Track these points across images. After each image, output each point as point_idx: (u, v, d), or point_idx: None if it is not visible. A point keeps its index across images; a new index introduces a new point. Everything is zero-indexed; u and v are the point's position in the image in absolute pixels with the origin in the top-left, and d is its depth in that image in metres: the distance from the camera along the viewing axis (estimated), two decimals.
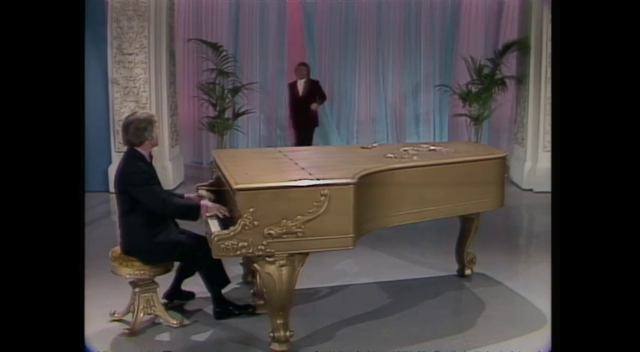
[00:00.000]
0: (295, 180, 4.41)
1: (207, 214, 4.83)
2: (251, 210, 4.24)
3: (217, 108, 10.79)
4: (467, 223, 6.18)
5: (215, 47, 10.83)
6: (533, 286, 6.01)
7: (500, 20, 12.22)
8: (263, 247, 4.30)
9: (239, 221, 4.28)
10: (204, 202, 4.98)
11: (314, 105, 11.13)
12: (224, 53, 10.89)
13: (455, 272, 6.30)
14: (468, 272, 6.26)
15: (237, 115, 11.10)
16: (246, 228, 4.26)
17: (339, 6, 12.25)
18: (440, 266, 6.52)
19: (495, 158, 5.79)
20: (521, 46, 10.76)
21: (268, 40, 12.27)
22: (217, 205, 4.93)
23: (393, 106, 12.65)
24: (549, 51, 10.04)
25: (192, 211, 4.89)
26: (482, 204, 5.70)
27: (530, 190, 10.24)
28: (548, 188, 9.57)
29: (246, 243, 4.28)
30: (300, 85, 11.23)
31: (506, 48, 10.95)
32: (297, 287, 4.53)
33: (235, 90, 10.98)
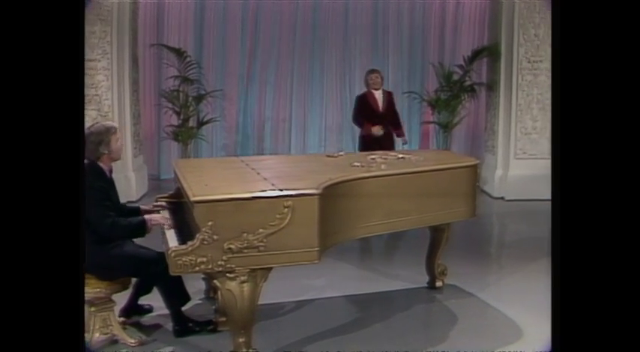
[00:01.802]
0: (257, 191, 4.19)
1: (153, 223, 4.71)
2: (210, 223, 4.02)
3: (181, 117, 10.52)
4: (437, 233, 6.04)
5: (179, 53, 10.58)
6: (506, 297, 5.90)
7: (470, 26, 12.13)
8: (223, 263, 4.08)
9: (197, 235, 4.06)
10: (148, 216, 4.84)
11: (375, 129, 8.66)
12: (188, 59, 10.64)
13: (425, 284, 6.16)
14: (438, 284, 6.12)
15: (201, 124, 10.84)
16: (205, 242, 4.04)
17: (305, 12, 12.02)
18: (410, 278, 6.36)
19: (466, 166, 5.66)
20: (491, 52, 10.74)
21: (232, 47, 11.97)
22: (161, 215, 4.84)
23: None
24: (520, 57, 10.18)
25: (139, 228, 4.74)
26: (453, 214, 5.56)
27: (502, 198, 10.19)
28: (520, 196, 10.09)
29: (205, 259, 4.06)
30: (379, 97, 8.91)
31: (476, 54, 10.90)
32: (260, 303, 4.32)
33: (199, 98, 10.73)
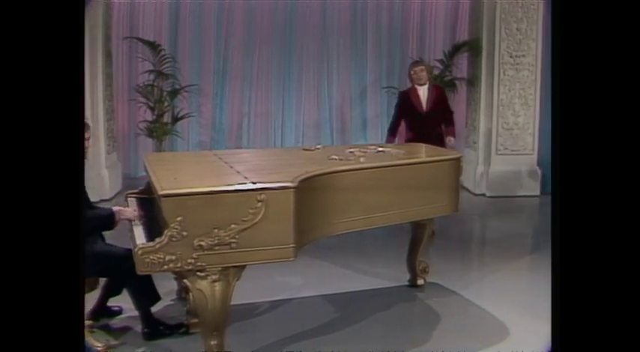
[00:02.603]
0: (228, 185, 3.97)
1: (121, 217, 4.52)
2: (179, 218, 3.79)
3: (155, 112, 10.27)
4: (418, 229, 5.88)
5: (153, 46, 10.34)
6: (488, 295, 5.77)
7: (451, 21, 11.96)
8: (193, 261, 3.84)
9: (165, 232, 3.82)
10: (117, 208, 4.64)
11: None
12: (162, 53, 10.39)
13: (406, 282, 6.01)
14: (420, 282, 5.98)
15: (176, 119, 10.60)
16: (174, 239, 3.80)
17: (282, 6, 11.78)
18: (390, 275, 6.21)
19: (449, 159, 5.48)
20: (472, 47, 10.64)
21: (208, 42, 11.69)
22: (131, 209, 4.65)
23: (339, 109, 12.20)
24: (502, 52, 10.10)
25: (107, 220, 4.54)
26: (435, 209, 5.37)
27: (483, 195, 10.07)
28: (502, 193, 9.99)
29: (173, 257, 3.82)
30: (423, 95, 7.69)
31: (457, 49, 10.80)
32: (234, 303, 4.11)
33: (174, 93, 10.49)
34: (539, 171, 10.24)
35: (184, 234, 3.80)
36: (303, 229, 4.14)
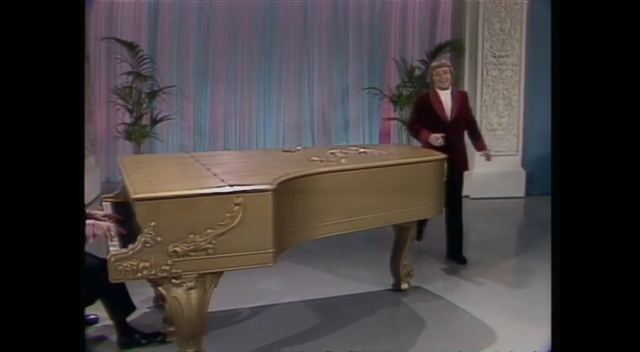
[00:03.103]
0: (204, 188, 3.81)
1: (96, 232, 4.03)
2: (153, 223, 3.63)
3: (134, 114, 10.09)
4: (402, 232, 5.75)
5: (131, 47, 10.16)
6: (474, 299, 5.71)
7: (433, 20, 11.86)
8: (168, 267, 3.69)
9: (139, 237, 3.66)
10: (90, 221, 4.12)
11: (434, 138, 6.32)
12: (140, 53, 10.21)
13: (390, 287, 5.89)
14: (404, 286, 5.86)
15: (154, 122, 10.42)
16: (148, 245, 3.64)
17: (263, 5, 11.63)
18: (373, 280, 6.09)
19: (433, 160, 5.35)
20: (454, 47, 10.55)
21: (188, 41, 11.53)
22: (106, 224, 4.14)
23: (320, 111, 12.07)
24: (485, 52, 10.04)
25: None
26: (419, 211, 5.26)
27: (466, 197, 9.89)
28: (485, 194, 9.87)
29: (147, 264, 3.66)
30: (446, 101, 6.57)
31: (439, 49, 10.68)
32: (213, 309, 3.98)
33: (153, 95, 10.30)
34: (523, 172, 10.18)
35: (158, 239, 3.65)
36: (283, 233, 4.00)
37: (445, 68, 6.61)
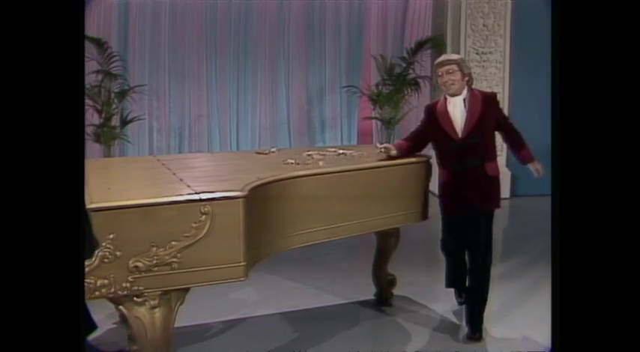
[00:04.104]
0: (168, 195, 3.47)
1: None
2: (111, 236, 3.30)
3: (103, 115, 9.71)
4: (385, 239, 5.50)
5: (99, 43, 9.76)
6: (460, 308, 5.36)
7: (413, 16, 11.60)
8: (128, 285, 3.37)
9: (96, 251, 3.31)
10: None
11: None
12: (109, 51, 9.84)
13: (372, 297, 5.63)
14: (387, 295, 5.60)
15: (124, 123, 10.05)
16: (106, 260, 3.31)
17: (237, 5, 11.33)
18: (355, 290, 5.82)
19: (416, 162, 5.06)
20: (435, 43, 10.36)
21: (160, 38, 11.16)
22: None
23: (297, 110, 11.76)
24: (467, 48, 9.89)
25: None
26: (403, 216, 4.99)
27: None
28: None
29: (106, 281, 3.33)
30: (455, 112, 4.85)
31: (420, 45, 10.48)
32: (180, 324, 3.70)
33: (122, 94, 9.93)
34: (508, 173, 9.96)
35: (118, 253, 3.32)
36: (256, 244, 3.71)
37: (450, 66, 4.81)
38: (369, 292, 5.64)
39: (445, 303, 5.52)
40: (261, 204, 3.75)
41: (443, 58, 4.99)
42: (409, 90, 10.50)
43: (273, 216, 3.94)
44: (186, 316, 3.80)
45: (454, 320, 5.20)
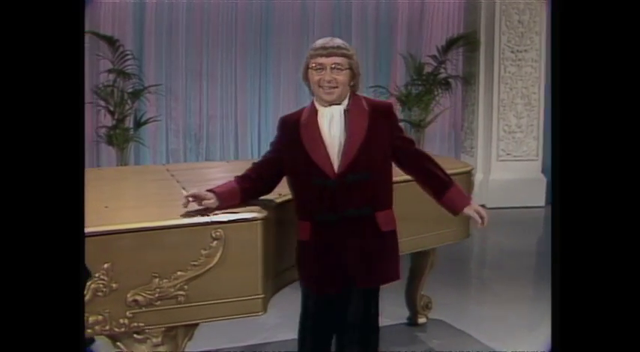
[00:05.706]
0: (173, 217, 3.04)
1: None
2: (106, 265, 2.88)
3: (116, 116, 9.30)
4: (419, 259, 5.10)
5: (111, 41, 9.38)
6: (502, 333, 5.09)
7: (445, 12, 11.12)
8: (127, 321, 2.95)
9: (88, 283, 2.89)
10: None
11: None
12: (121, 49, 9.44)
13: (405, 320, 5.30)
14: (421, 320, 5.28)
15: (138, 124, 9.63)
16: (100, 293, 2.89)
17: (260, 3, 10.93)
18: (386, 312, 5.20)
19: (458, 173, 4.56)
20: (468, 41, 10.05)
21: (178, 37, 10.74)
22: None
23: None
24: (502, 46, 9.72)
25: None
26: (443, 235, 4.56)
27: (482, 206, 9.21)
28: (503, 204, 9.15)
29: (100, 317, 2.91)
30: (330, 129, 3.25)
31: (451, 43, 10.09)
32: (195, 349, 3.34)
33: (136, 94, 9.52)
34: (544, 179, 9.72)
35: (114, 285, 2.92)
36: (276, 272, 3.36)
37: (338, 59, 3.26)
38: (401, 315, 5.31)
39: (484, 328, 5.18)
40: (282, 225, 3.33)
41: (328, 42, 3.28)
42: (440, 90, 10.17)
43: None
44: (198, 342, 3.38)
45: (494, 346, 4.84)
